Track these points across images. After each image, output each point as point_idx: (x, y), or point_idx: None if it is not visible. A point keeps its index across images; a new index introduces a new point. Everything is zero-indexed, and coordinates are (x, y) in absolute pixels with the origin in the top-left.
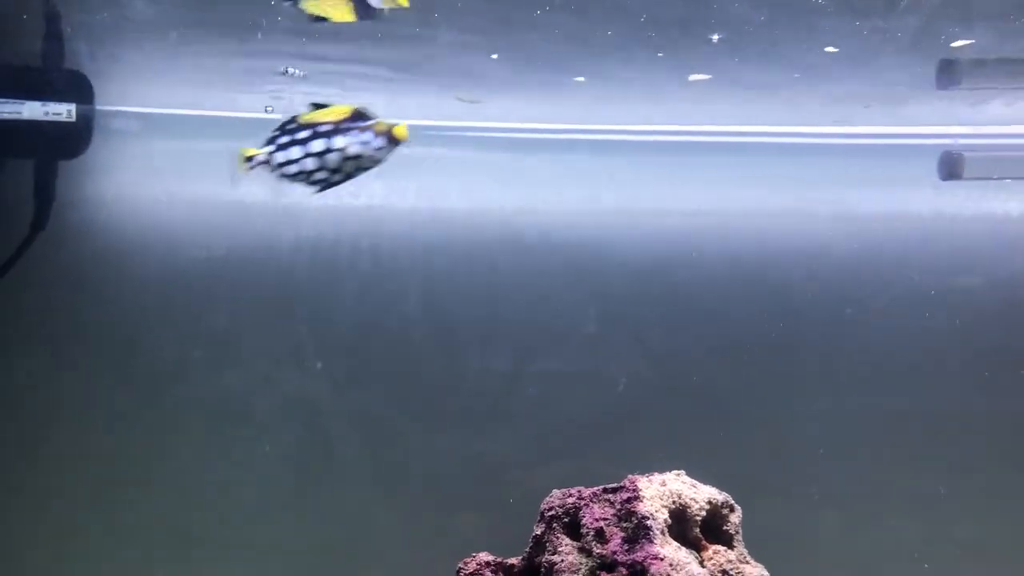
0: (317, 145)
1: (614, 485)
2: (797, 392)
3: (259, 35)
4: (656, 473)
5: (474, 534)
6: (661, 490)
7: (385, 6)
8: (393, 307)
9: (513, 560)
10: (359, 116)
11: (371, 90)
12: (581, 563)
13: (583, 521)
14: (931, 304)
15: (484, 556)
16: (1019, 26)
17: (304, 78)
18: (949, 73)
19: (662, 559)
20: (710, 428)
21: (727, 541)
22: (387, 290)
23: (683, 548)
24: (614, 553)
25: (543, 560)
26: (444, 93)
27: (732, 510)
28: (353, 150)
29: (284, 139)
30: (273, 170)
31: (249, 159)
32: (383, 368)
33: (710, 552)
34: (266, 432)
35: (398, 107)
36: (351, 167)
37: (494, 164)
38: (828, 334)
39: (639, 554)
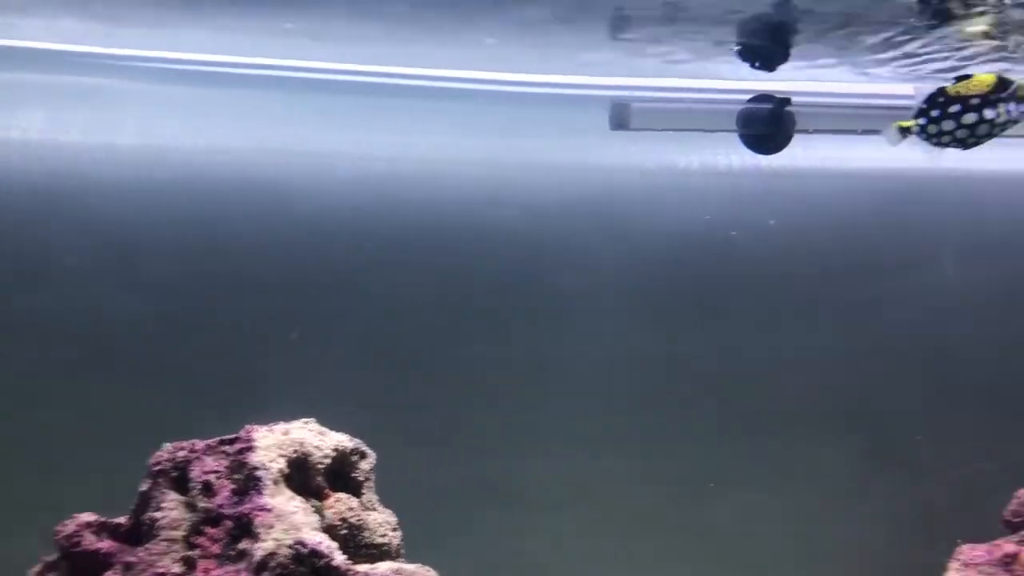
0: (968, 118)
1: (231, 436)
2: (482, 338)
3: None
4: (283, 422)
5: None
6: (282, 439)
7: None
8: (52, 253)
9: (121, 519)
10: (1002, 85)
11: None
12: (184, 518)
13: (191, 475)
14: (608, 251)
15: (86, 517)
16: None
17: None
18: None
19: (269, 510)
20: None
21: (355, 488)
22: (44, 234)
23: (298, 498)
24: (220, 506)
25: (146, 517)
26: (119, 17)
27: (363, 457)
28: (1001, 120)
29: (935, 112)
30: (926, 139)
31: (903, 130)
32: (41, 319)
33: (332, 500)
34: None
35: (59, 30)
36: (998, 132)
37: (177, 99)
38: (510, 280)
39: (246, 506)
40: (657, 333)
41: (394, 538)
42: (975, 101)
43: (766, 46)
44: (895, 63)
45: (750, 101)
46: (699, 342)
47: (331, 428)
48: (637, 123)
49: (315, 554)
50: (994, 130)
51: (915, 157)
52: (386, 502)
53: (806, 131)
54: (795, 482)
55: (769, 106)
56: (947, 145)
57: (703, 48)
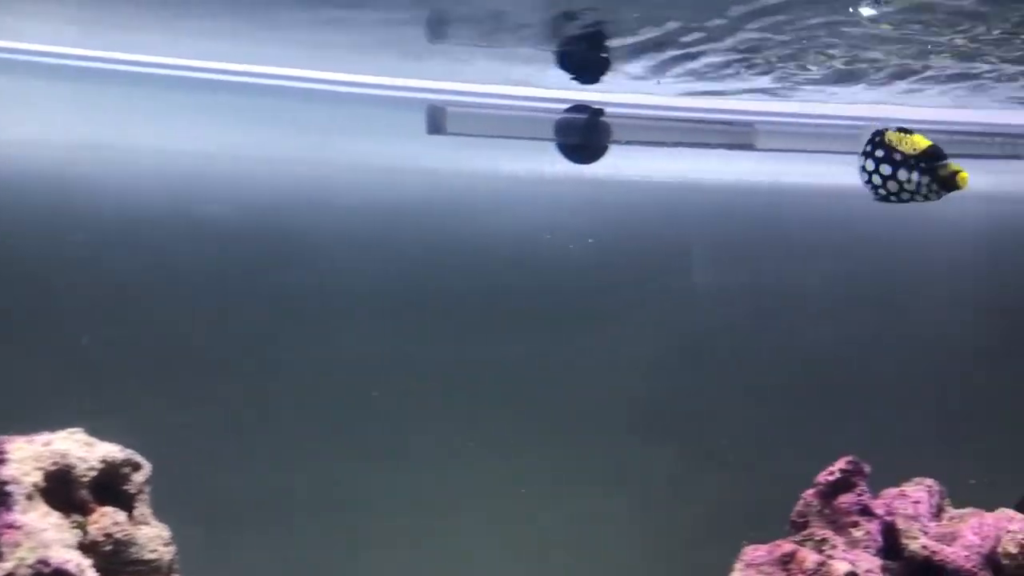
0: (884, 168)
1: None
2: (286, 343)
3: None
4: (47, 432)
5: None
6: (41, 451)
7: None
8: None
9: None
10: (932, 155)
11: None
12: None
13: None
14: (426, 256)
15: None
16: None
17: None
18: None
19: (18, 527)
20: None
21: (126, 502)
22: None
23: (55, 513)
24: None
25: None
26: None
27: (136, 469)
28: (910, 187)
29: (868, 147)
30: (861, 170)
31: None
32: None
33: (97, 515)
34: None
35: None
36: (906, 197)
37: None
38: (326, 284)
39: None
40: (476, 339)
41: (166, 553)
42: (898, 157)
43: (585, 57)
44: (714, 80)
45: (567, 111)
46: (520, 348)
47: (114, 438)
48: (453, 128)
49: (60, 573)
50: (901, 193)
51: (731, 169)
52: (168, 515)
53: (619, 142)
54: (612, 485)
55: (584, 116)
56: (865, 183)
57: (524, 56)
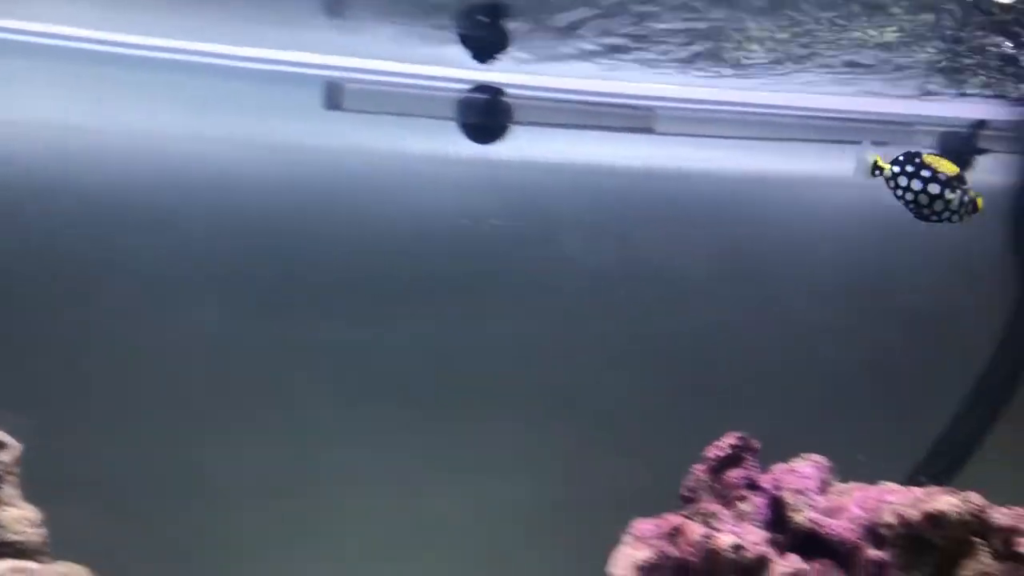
0: (933, 188)
1: None
2: (189, 325)
3: None
4: None
5: None
6: None
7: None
8: None
9: None
10: (963, 179)
11: None
12: None
13: None
14: (324, 236)
15: None
16: None
17: None
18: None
19: None
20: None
21: None
22: None
23: None
24: None
25: None
26: None
27: (2, 447)
28: (953, 207)
29: (909, 168)
30: (893, 188)
31: (876, 167)
32: None
33: None
34: None
35: None
36: (946, 217)
37: None
38: (217, 263)
39: None
40: (373, 320)
41: (34, 535)
42: (943, 177)
43: (483, 35)
44: (617, 63)
45: (470, 91)
46: (418, 330)
47: None
48: (351, 104)
49: None
50: (943, 213)
51: (635, 154)
52: (41, 496)
53: (520, 123)
54: (509, 470)
55: (485, 96)
56: (906, 203)
57: (426, 33)
